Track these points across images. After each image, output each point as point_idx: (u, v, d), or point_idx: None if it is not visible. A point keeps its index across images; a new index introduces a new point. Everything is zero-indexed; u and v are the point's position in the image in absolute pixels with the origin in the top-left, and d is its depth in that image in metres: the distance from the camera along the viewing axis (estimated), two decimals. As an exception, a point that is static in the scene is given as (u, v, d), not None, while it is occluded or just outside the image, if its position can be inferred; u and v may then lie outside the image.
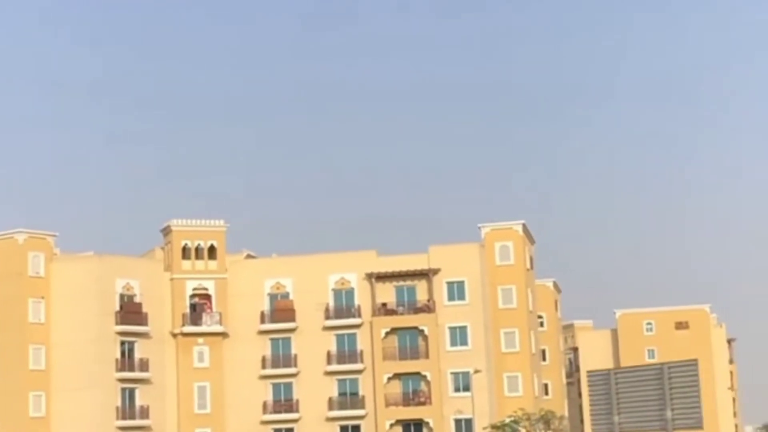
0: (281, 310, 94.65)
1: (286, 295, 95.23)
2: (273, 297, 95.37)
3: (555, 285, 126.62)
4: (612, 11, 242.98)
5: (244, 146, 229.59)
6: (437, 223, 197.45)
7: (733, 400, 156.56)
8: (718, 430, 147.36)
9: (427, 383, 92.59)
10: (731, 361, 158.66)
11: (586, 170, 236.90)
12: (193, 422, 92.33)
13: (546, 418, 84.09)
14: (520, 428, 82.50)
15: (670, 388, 25.17)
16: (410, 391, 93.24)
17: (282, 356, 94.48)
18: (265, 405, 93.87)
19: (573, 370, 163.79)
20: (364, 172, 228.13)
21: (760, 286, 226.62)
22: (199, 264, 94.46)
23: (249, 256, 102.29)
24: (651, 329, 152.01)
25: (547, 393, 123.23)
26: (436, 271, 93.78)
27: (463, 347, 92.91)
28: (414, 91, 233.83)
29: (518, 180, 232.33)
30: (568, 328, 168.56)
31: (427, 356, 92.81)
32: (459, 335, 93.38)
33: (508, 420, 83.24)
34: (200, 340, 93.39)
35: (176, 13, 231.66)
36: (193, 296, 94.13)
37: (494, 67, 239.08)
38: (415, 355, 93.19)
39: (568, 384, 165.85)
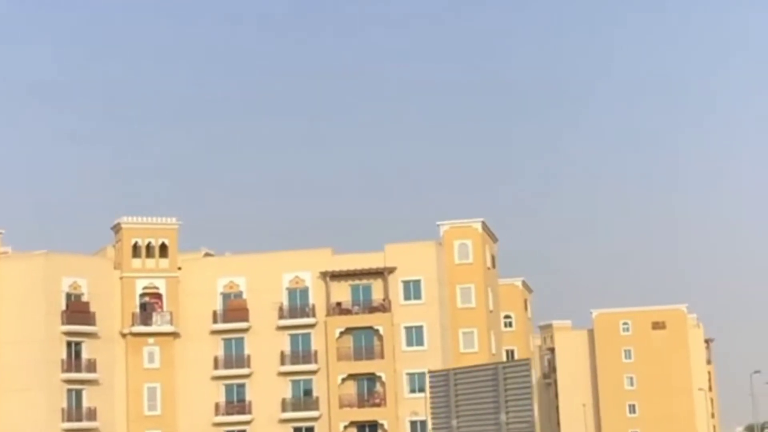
0: (234, 309, 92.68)
1: (239, 294, 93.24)
2: (226, 296, 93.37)
3: (524, 284, 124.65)
4: (601, 13, 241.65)
5: (203, 146, 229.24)
6: (404, 223, 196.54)
7: (711, 401, 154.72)
8: (695, 431, 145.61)
9: (382, 384, 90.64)
10: (709, 362, 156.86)
11: (569, 171, 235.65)
12: (143, 424, 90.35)
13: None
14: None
15: (505, 390, 23.29)
16: (365, 392, 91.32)
17: (235, 356, 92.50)
18: (217, 406, 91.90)
19: (550, 370, 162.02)
20: (340, 171, 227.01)
21: (744, 288, 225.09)
22: (150, 262, 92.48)
23: (207, 255, 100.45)
24: (627, 329, 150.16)
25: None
26: (391, 270, 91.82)
27: (419, 347, 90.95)
28: (389, 90, 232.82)
29: (500, 180, 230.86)
30: (547, 328, 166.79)
31: (382, 356, 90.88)
32: (415, 335, 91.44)
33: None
34: (150, 340, 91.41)
35: (137, 13, 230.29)
36: (143, 295, 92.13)
37: (477, 66, 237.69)
38: (370, 355, 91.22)
39: (546, 385, 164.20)
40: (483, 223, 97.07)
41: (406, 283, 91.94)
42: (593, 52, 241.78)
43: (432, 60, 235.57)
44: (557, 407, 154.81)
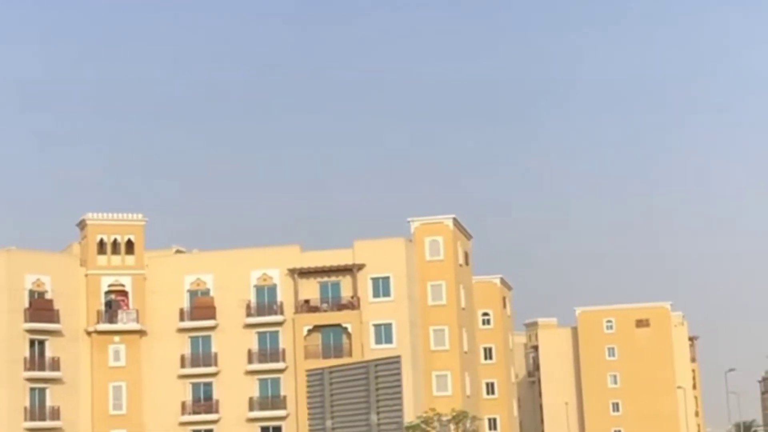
0: (201, 307, 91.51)
1: (206, 292, 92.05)
2: (193, 293, 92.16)
3: (503, 282, 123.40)
4: (579, 13, 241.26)
5: (171, 144, 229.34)
6: (376, 220, 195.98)
7: (695, 399, 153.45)
8: (678, 430, 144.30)
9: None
10: (693, 360, 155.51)
11: (552, 170, 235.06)
12: (108, 423, 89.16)
13: (457, 419, 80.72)
14: (429, 429, 79.14)
15: (377, 389, 22.08)
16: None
17: (202, 355, 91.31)
18: (183, 405, 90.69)
19: (534, 369, 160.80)
20: (310, 168, 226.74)
21: (731, 287, 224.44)
22: (116, 259, 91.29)
23: (179, 252, 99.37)
24: (611, 327, 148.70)
25: (493, 392, 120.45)
26: (360, 267, 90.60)
27: (388, 345, 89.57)
28: (360, 86, 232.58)
29: (485, 179, 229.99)
30: (533, 326, 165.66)
31: (351, 354, 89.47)
32: (384, 333, 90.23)
33: (416, 420, 79.98)
34: (116, 338, 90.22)
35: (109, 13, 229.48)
36: (109, 293, 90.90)
37: (454, 65, 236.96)
38: (338, 353, 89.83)
39: (530, 383, 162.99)
40: (455, 219, 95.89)
41: (375, 280, 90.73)
42: (571, 51, 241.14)
43: (408, 58, 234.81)
44: (541, 406, 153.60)
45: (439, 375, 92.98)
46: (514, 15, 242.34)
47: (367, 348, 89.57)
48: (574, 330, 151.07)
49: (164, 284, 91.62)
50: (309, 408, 23.69)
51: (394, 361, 21.85)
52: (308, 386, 23.77)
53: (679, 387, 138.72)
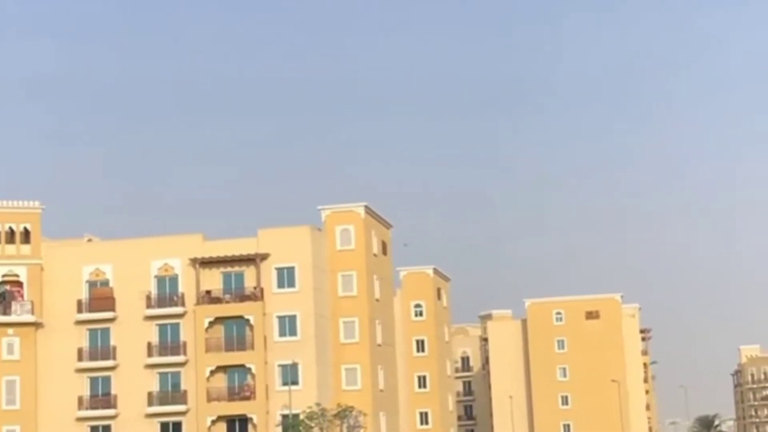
0: (99, 298, 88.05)
1: (105, 283, 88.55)
2: (92, 284, 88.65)
3: (437, 272, 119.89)
4: (553, 9, 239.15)
5: (78, 130, 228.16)
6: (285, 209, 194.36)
7: (646, 392, 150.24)
8: (629, 425, 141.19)
9: (253, 376, 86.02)
10: (645, 353, 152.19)
11: (524, 166, 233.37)
12: (1, 419, 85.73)
13: (342, 415, 77.26)
14: (311, 425, 75.74)
15: None
16: (236, 385, 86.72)
17: (100, 348, 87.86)
18: (80, 400, 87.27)
19: (486, 361, 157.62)
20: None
21: (687, 283, 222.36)
22: (10, 248, 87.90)
23: (90, 241, 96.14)
24: (561, 319, 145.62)
25: (424, 386, 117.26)
26: (264, 257, 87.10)
27: (292, 337, 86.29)
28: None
29: (456, 173, 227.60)
30: (486, 318, 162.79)
31: (253, 347, 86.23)
32: (288, 325, 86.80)
33: (301, 416, 76.66)
34: (10, 330, 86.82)
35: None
36: (2, 283, 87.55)
37: (420, 63, 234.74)
38: (241, 346, 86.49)
39: (483, 376, 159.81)
40: (366, 207, 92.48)
41: (279, 270, 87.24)
42: (545, 49, 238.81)
43: (389, 51, 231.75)
44: (490, 399, 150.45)
45: (348, 368, 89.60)
46: (495, 9, 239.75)
47: (271, 340, 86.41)
48: (524, 322, 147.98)
49: (62, 274, 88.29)
50: None
51: None
52: None
53: (613, 380, 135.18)
